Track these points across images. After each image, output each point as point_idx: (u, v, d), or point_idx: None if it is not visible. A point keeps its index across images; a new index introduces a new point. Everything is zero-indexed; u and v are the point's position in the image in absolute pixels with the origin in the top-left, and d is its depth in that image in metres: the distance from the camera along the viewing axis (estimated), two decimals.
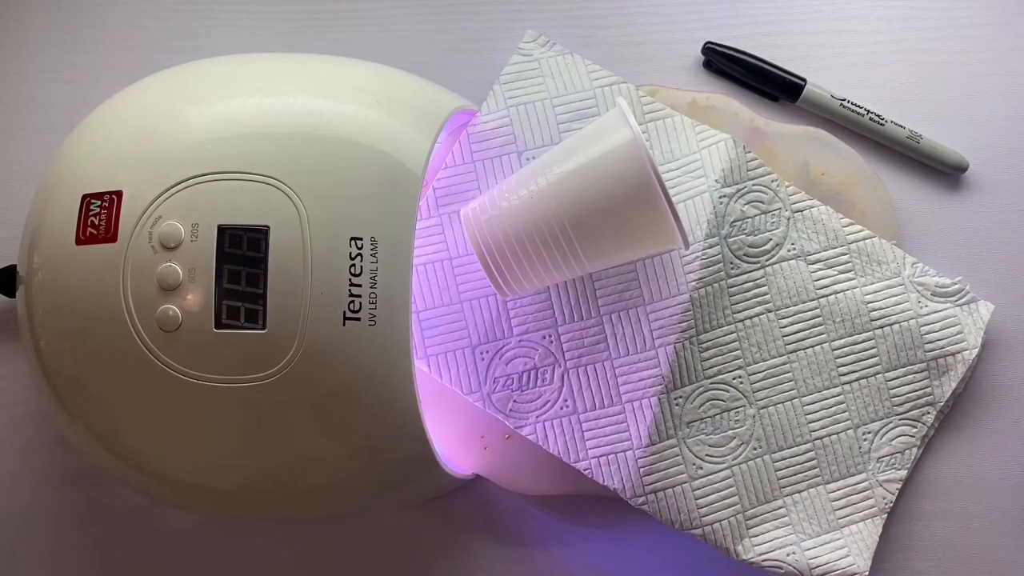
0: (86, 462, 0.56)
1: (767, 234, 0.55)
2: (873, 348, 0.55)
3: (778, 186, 0.56)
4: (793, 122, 0.59)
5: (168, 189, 0.45)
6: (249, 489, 0.48)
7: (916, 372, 0.55)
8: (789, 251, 0.55)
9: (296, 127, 0.47)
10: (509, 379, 0.53)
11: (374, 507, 0.56)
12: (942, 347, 0.55)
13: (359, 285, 0.45)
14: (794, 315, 0.55)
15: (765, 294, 0.55)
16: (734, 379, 0.54)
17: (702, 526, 0.52)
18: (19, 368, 0.57)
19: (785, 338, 0.55)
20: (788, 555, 0.53)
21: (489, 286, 0.53)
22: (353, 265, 0.45)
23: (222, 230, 0.44)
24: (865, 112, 0.58)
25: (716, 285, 0.54)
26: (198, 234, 0.44)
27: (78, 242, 0.45)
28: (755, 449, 0.54)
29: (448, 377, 0.53)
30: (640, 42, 0.60)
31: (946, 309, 0.55)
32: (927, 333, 0.55)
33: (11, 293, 0.54)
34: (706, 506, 0.53)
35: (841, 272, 0.55)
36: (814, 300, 0.55)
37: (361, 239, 0.46)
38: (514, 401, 0.53)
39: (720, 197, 0.55)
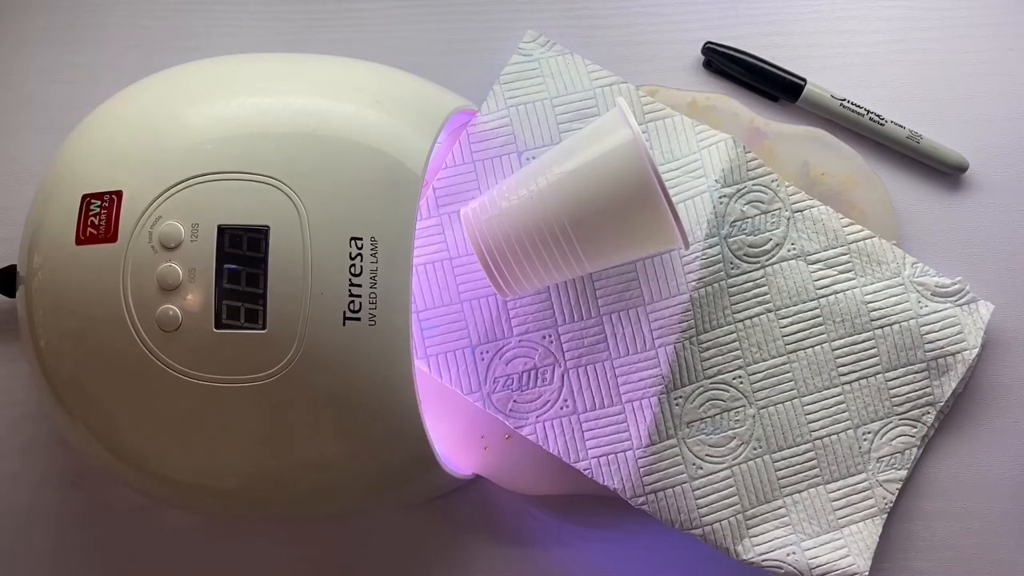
0: (86, 462, 0.56)
1: (767, 234, 0.55)
2: (873, 348, 0.55)
3: (778, 186, 0.56)
4: (793, 122, 0.59)
5: (168, 189, 0.45)
6: (249, 489, 0.48)
7: (916, 372, 0.55)
8: (789, 251, 0.55)
9: (296, 127, 0.47)
10: (509, 379, 0.53)
11: (374, 507, 0.56)
12: (942, 347, 0.55)
13: (359, 285, 0.45)
14: (794, 315, 0.55)
15: (765, 294, 0.55)
16: (734, 379, 0.54)
17: (702, 526, 0.52)
18: (19, 368, 0.57)
19: (785, 338, 0.55)
20: (788, 555, 0.53)
21: (489, 286, 0.53)
22: (353, 265, 0.45)
23: (222, 230, 0.44)
24: (865, 112, 0.58)
25: (716, 285, 0.54)
26: (198, 234, 0.44)
27: (78, 242, 0.45)
28: (755, 449, 0.54)
29: (448, 377, 0.53)
30: (640, 42, 0.60)
31: (946, 309, 0.55)
32: (927, 333, 0.55)
33: (11, 293, 0.54)
34: (706, 506, 0.53)
35: (841, 272, 0.55)
36: (814, 300, 0.55)
37: (361, 239, 0.46)
38: (514, 401, 0.53)
39: (720, 197, 0.55)
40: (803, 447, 0.54)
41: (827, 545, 0.53)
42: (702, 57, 0.60)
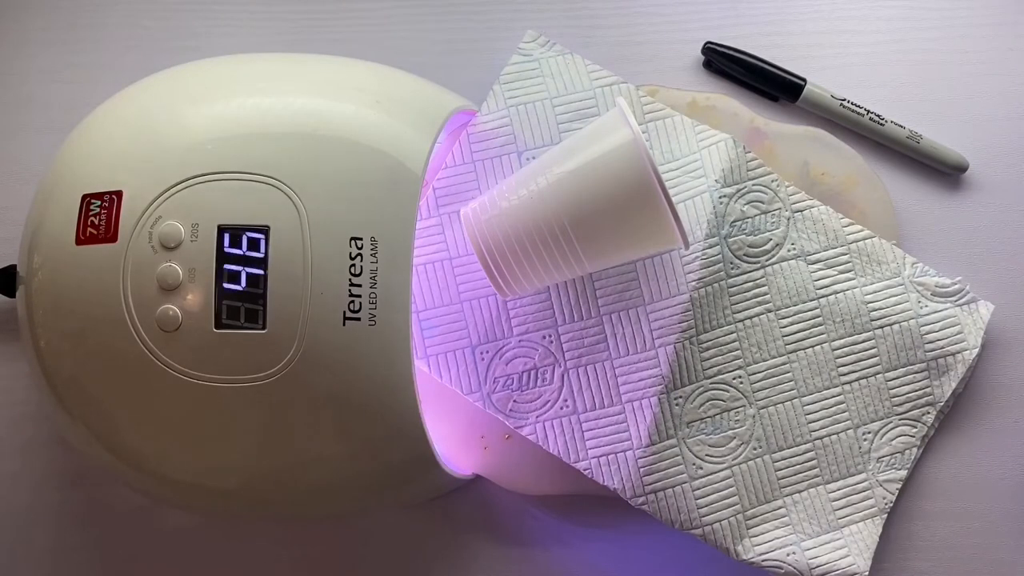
0: (86, 462, 0.56)
1: (767, 234, 0.55)
2: (873, 348, 0.55)
3: (778, 186, 0.56)
4: (793, 122, 0.59)
5: (168, 189, 0.45)
6: (249, 489, 0.48)
7: (916, 372, 0.55)
8: (789, 251, 0.55)
9: (296, 127, 0.47)
10: (509, 379, 0.53)
11: (374, 507, 0.56)
12: (942, 347, 0.55)
13: (359, 285, 0.45)
14: (794, 315, 0.55)
15: (765, 294, 0.55)
16: (734, 379, 0.54)
17: (702, 526, 0.52)
18: (19, 368, 0.57)
19: (785, 338, 0.55)
20: (788, 555, 0.53)
21: (489, 286, 0.53)
22: (353, 265, 0.45)
23: (222, 230, 0.44)
24: (865, 112, 0.58)
25: (716, 285, 0.54)
26: (198, 234, 0.44)
27: (78, 242, 0.45)
28: (755, 449, 0.54)
29: (448, 377, 0.53)
30: (640, 42, 0.60)
31: (946, 309, 0.55)
32: (927, 333, 0.55)
33: (11, 293, 0.54)
34: (706, 506, 0.53)
35: (841, 272, 0.55)
36: (814, 300, 0.55)
37: (361, 239, 0.46)
38: (514, 401, 0.53)
39: (720, 197, 0.55)
40: (803, 447, 0.54)
41: (827, 545, 0.53)
42: (702, 57, 0.60)
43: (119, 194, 0.45)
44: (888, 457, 0.55)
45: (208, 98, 0.48)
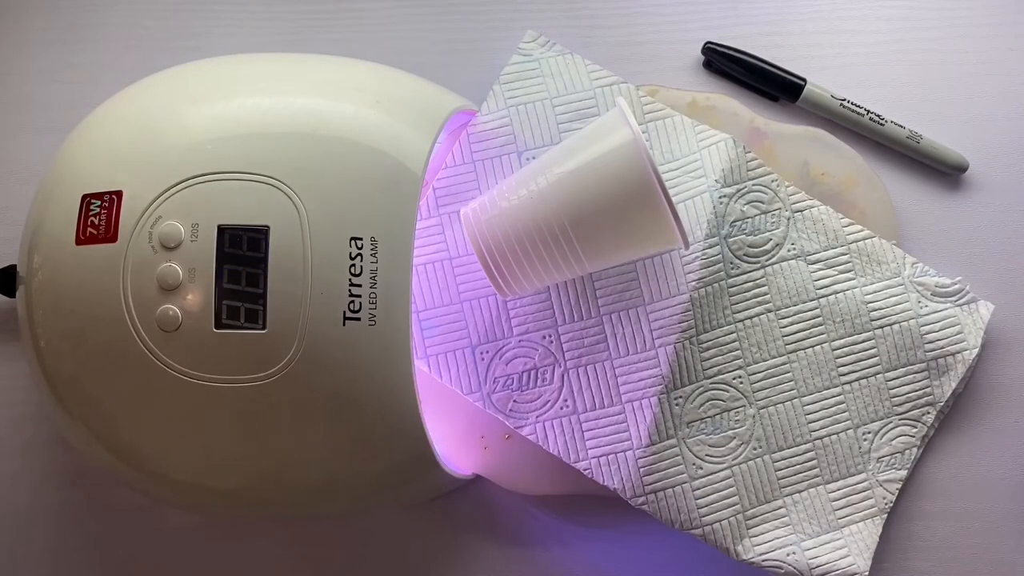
0: (86, 462, 0.56)
1: (767, 234, 0.55)
2: (873, 348, 0.55)
3: (778, 186, 0.56)
4: (793, 122, 0.59)
5: (168, 189, 0.45)
6: (249, 489, 0.48)
7: (916, 372, 0.55)
8: (789, 251, 0.55)
9: (296, 127, 0.47)
10: (509, 379, 0.53)
11: (374, 507, 0.56)
12: (942, 347, 0.55)
13: (359, 285, 0.45)
14: (794, 315, 0.55)
15: (765, 294, 0.55)
16: (734, 379, 0.54)
17: (702, 526, 0.52)
18: (19, 368, 0.57)
19: (785, 338, 0.55)
20: (788, 555, 0.53)
21: (489, 286, 0.53)
22: (353, 265, 0.45)
23: (222, 230, 0.44)
24: (865, 112, 0.58)
25: (716, 285, 0.54)
26: (198, 234, 0.44)
27: (78, 242, 0.45)
28: (755, 449, 0.54)
29: (448, 377, 0.53)
30: (640, 42, 0.60)
31: (946, 309, 0.55)
32: (927, 333, 0.55)
33: (11, 293, 0.54)
34: (706, 506, 0.53)
35: (841, 272, 0.55)
36: (814, 300, 0.55)
37: (361, 239, 0.46)
38: (514, 401, 0.53)
39: (720, 197, 0.55)
40: (803, 447, 0.54)
41: (827, 545, 0.53)
42: (702, 57, 0.60)
43: (119, 194, 0.45)
44: (888, 457, 0.55)
45: (208, 98, 0.48)
